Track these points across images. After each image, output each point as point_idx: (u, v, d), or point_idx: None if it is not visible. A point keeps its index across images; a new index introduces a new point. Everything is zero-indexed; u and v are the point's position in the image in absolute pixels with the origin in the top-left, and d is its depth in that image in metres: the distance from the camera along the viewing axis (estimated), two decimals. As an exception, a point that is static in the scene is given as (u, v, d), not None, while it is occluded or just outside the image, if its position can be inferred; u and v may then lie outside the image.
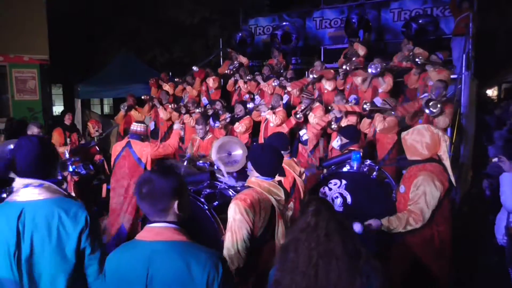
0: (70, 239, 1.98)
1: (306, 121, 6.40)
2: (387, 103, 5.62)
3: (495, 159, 3.25)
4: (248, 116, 7.06)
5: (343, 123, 6.01)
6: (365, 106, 5.63)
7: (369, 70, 6.32)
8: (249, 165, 2.65)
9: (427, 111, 5.23)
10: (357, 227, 2.78)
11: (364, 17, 8.34)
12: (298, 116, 6.32)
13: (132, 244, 1.71)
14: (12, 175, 4.81)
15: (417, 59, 6.23)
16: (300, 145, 6.56)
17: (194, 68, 8.86)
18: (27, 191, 2.01)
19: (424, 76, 6.40)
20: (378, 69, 6.26)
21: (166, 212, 1.69)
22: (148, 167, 4.65)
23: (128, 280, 1.63)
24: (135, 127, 4.83)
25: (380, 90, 6.45)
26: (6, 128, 8.19)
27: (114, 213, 4.77)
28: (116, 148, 4.84)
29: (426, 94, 5.57)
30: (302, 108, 6.35)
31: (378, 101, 5.99)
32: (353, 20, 8.37)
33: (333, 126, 6.08)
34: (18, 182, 2.04)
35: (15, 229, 1.93)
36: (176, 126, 5.28)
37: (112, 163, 4.86)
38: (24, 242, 1.95)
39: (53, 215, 1.96)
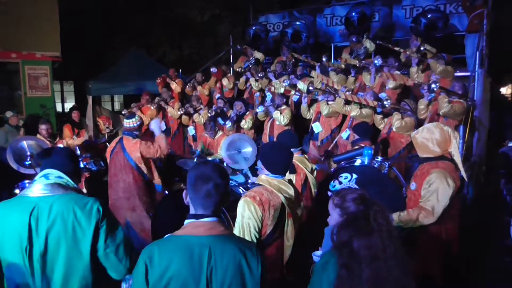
0: (85, 235, 2.01)
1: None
2: (407, 104, 5.61)
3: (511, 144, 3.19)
4: (250, 111, 7.10)
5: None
6: (385, 102, 5.52)
7: (375, 61, 6.41)
8: (259, 164, 2.65)
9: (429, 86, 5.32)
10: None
11: (366, 14, 8.27)
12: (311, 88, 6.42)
13: (178, 241, 1.68)
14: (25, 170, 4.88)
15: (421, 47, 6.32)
16: (310, 141, 6.54)
17: (213, 69, 8.86)
18: (39, 186, 2.04)
19: (428, 73, 6.35)
20: (380, 61, 6.38)
21: (218, 207, 1.74)
22: (139, 164, 4.56)
23: (183, 277, 1.62)
24: (126, 123, 4.69)
25: (387, 87, 6.41)
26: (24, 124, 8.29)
27: (114, 209, 4.63)
28: (112, 144, 4.79)
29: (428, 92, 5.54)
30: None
31: (382, 97, 5.96)
32: (353, 18, 8.32)
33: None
34: (40, 174, 2.12)
35: (27, 224, 1.96)
36: (154, 125, 4.71)
37: (108, 159, 4.78)
38: (38, 238, 1.97)
39: (68, 211, 1.99)
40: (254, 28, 9.81)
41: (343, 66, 7.42)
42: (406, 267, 1.61)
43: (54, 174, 2.09)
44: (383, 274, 1.56)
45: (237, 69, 9.07)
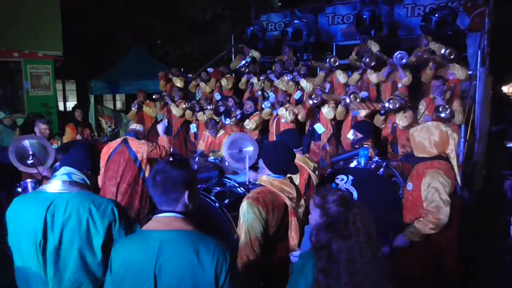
0: (98, 234, 2.06)
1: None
2: (400, 97, 5.57)
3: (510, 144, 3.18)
4: (257, 112, 7.05)
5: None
6: (388, 104, 5.43)
7: (399, 61, 6.07)
8: (261, 163, 2.64)
9: (442, 115, 5.24)
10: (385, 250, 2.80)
11: (376, 14, 8.23)
12: (311, 101, 6.27)
13: (140, 234, 1.74)
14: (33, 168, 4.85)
15: (443, 50, 6.06)
16: (312, 142, 6.53)
17: (210, 69, 8.84)
18: (58, 183, 2.11)
19: (440, 73, 6.28)
20: (404, 60, 6.04)
21: (177, 202, 1.71)
22: (143, 166, 4.56)
23: (136, 270, 1.63)
24: (135, 126, 4.84)
25: (399, 85, 6.37)
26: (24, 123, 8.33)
27: None
28: (111, 145, 4.68)
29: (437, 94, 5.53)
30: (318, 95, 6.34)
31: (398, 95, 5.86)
32: (365, 17, 8.28)
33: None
34: (61, 171, 2.18)
35: (42, 218, 2.02)
36: (160, 127, 5.13)
37: (104, 160, 4.58)
38: (53, 233, 2.03)
39: (84, 208, 2.06)
40: (251, 28, 9.81)
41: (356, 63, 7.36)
42: (384, 271, 1.58)
43: (77, 175, 2.16)
44: (359, 278, 1.53)
45: (234, 68, 9.05)
